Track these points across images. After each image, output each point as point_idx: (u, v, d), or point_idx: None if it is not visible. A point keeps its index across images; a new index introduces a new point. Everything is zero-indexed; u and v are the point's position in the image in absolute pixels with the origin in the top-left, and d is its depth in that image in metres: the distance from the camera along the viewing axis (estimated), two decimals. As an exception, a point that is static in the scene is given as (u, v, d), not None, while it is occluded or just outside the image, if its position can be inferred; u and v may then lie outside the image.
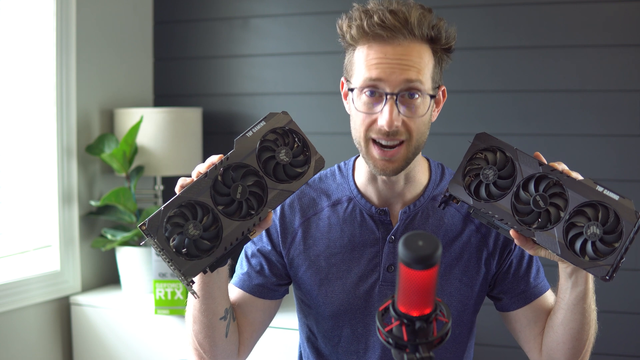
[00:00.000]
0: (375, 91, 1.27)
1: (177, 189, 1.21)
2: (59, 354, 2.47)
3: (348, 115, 1.37)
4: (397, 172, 1.31)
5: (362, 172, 1.41)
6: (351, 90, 1.31)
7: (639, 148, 2.29)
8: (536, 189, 1.23)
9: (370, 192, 1.40)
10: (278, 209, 1.42)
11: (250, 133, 1.24)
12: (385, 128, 1.26)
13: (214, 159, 1.23)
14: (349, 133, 1.36)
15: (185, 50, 2.81)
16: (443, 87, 1.37)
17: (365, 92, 1.28)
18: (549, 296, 1.41)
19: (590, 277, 1.26)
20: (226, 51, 2.75)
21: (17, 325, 2.31)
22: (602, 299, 2.32)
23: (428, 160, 1.45)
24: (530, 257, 1.41)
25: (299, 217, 1.42)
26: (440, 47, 1.30)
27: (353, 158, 1.46)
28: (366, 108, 1.29)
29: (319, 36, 2.60)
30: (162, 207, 1.17)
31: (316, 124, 2.63)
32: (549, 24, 2.36)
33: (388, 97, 1.26)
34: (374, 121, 1.28)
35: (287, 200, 1.42)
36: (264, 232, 1.43)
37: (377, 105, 1.28)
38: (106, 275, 2.66)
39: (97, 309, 2.44)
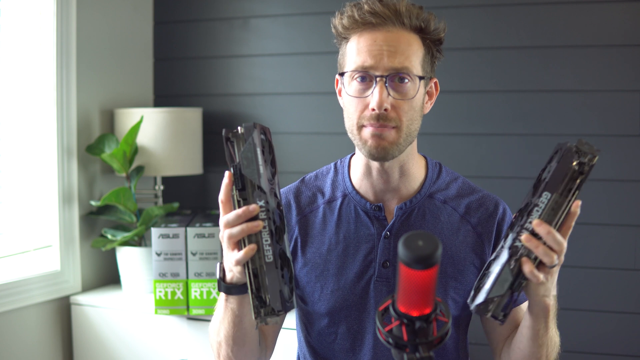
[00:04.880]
0: (365, 76, 1.31)
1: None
2: (59, 354, 2.47)
3: None
4: (389, 155, 1.32)
5: (358, 168, 1.42)
6: (342, 75, 1.35)
7: (639, 148, 2.29)
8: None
9: (366, 188, 1.41)
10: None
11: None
12: (376, 109, 1.28)
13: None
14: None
15: (185, 50, 2.81)
16: (435, 80, 1.39)
17: (356, 78, 1.31)
18: (523, 308, 1.42)
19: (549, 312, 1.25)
20: (226, 51, 2.75)
21: (17, 325, 2.31)
22: (602, 298, 2.33)
23: (425, 157, 1.46)
24: None
25: (295, 215, 1.44)
26: (429, 38, 1.34)
27: (349, 155, 1.47)
28: (357, 93, 1.32)
29: (319, 36, 2.60)
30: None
31: (316, 124, 2.63)
32: (549, 24, 2.36)
33: (378, 79, 1.29)
34: (366, 107, 1.31)
35: (283, 200, 1.44)
36: None
37: (368, 90, 1.31)
38: (106, 275, 2.66)
39: (97, 309, 2.44)
